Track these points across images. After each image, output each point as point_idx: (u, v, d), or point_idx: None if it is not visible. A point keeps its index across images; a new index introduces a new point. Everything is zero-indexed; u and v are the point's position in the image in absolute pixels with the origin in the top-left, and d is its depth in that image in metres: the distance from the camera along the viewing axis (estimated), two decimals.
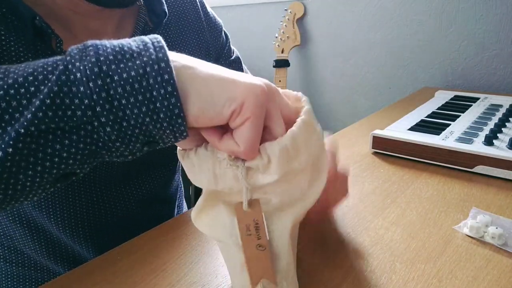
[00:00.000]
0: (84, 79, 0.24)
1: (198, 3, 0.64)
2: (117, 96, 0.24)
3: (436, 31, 1.24)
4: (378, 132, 0.71)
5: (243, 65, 0.75)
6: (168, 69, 0.25)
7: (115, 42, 0.27)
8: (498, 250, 0.43)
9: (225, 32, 0.70)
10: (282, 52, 1.50)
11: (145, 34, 0.52)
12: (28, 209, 0.51)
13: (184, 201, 0.81)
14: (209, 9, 0.66)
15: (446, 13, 1.21)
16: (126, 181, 0.58)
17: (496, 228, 0.45)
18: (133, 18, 0.54)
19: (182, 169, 0.78)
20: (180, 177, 0.77)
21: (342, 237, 0.47)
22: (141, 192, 0.60)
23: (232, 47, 0.72)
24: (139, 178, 0.59)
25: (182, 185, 0.78)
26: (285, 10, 1.52)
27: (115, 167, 0.55)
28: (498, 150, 0.61)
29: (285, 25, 1.51)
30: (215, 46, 0.66)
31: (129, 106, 0.25)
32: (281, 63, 1.49)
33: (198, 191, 1.08)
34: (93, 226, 0.56)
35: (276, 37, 1.52)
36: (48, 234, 0.54)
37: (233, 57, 0.71)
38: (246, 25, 1.75)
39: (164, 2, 0.55)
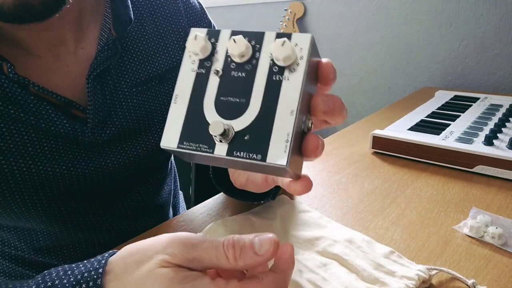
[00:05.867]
0: None
1: None
2: None
3: (436, 31, 1.24)
4: (378, 132, 0.71)
5: None
6: None
7: None
8: (498, 250, 0.43)
9: (210, 23, 0.63)
10: None
11: (109, 44, 0.47)
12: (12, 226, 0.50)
13: (184, 203, 0.79)
14: None
15: (446, 13, 1.21)
16: (113, 195, 0.54)
17: (496, 228, 0.45)
18: (97, 25, 0.49)
19: (178, 170, 0.77)
20: (177, 180, 0.75)
21: None
22: (128, 206, 0.56)
23: None
24: (125, 191, 0.56)
25: (178, 186, 0.77)
26: (285, 10, 1.52)
27: (101, 182, 0.51)
28: (498, 150, 0.61)
29: (285, 25, 1.51)
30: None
31: None
32: None
33: (198, 191, 1.08)
34: (78, 246, 0.54)
35: None
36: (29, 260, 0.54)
37: None
38: (246, 25, 1.75)
39: (130, 7, 0.50)
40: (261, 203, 0.51)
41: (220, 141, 0.25)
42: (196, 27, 0.58)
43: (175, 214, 0.73)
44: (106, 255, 0.29)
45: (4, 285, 0.30)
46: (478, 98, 0.96)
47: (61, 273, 0.29)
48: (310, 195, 0.57)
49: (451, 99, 0.98)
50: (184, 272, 0.26)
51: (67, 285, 0.27)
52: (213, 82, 0.26)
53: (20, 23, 0.38)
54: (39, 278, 0.29)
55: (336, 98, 0.27)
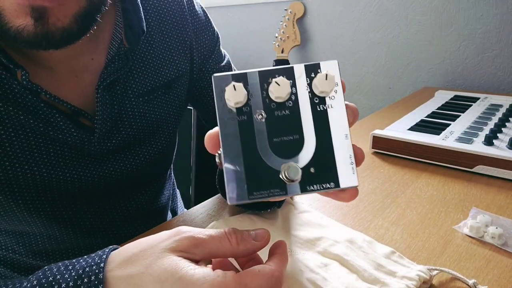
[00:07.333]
0: None
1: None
2: None
3: (436, 31, 1.24)
4: (378, 132, 0.71)
5: (233, 68, 0.67)
6: None
7: None
8: (498, 250, 0.43)
9: (214, 32, 0.61)
10: (282, 52, 1.50)
11: (120, 55, 0.46)
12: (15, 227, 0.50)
13: (181, 203, 0.79)
14: (196, 5, 0.59)
15: (446, 13, 1.21)
16: (113, 200, 0.54)
17: (496, 228, 0.45)
18: (108, 35, 0.48)
19: (178, 170, 0.76)
20: (174, 182, 0.74)
21: None
22: (127, 211, 0.56)
23: (222, 50, 0.65)
24: (125, 196, 0.56)
25: (176, 189, 0.76)
26: (285, 10, 1.52)
27: (103, 188, 0.51)
28: (498, 150, 0.61)
29: (285, 25, 1.51)
30: (198, 43, 0.58)
31: None
32: (281, 63, 1.49)
33: (198, 191, 1.08)
34: (77, 250, 0.54)
35: (276, 37, 1.52)
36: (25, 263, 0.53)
37: (223, 63, 0.63)
38: (246, 25, 1.75)
39: (143, 18, 0.49)
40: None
41: (292, 181, 0.25)
42: (201, 36, 0.58)
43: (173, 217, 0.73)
44: (107, 250, 0.30)
45: (3, 282, 0.30)
46: (478, 98, 0.96)
47: (62, 268, 0.29)
48: (310, 195, 0.57)
49: (451, 99, 0.98)
50: (188, 261, 0.27)
51: (68, 279, 0.28)
52: (260, 126, 0.26)
53: (36, 49, 0.38)
54: (40, 273, 0.29)
55: (353, 106, 0.29)
